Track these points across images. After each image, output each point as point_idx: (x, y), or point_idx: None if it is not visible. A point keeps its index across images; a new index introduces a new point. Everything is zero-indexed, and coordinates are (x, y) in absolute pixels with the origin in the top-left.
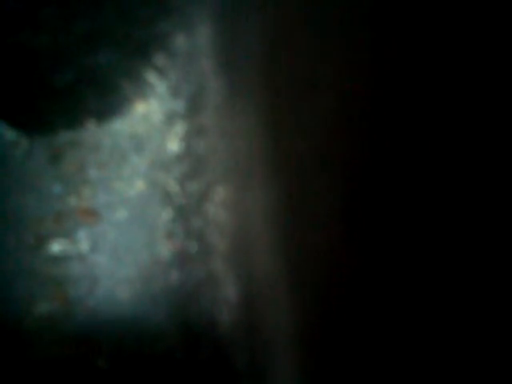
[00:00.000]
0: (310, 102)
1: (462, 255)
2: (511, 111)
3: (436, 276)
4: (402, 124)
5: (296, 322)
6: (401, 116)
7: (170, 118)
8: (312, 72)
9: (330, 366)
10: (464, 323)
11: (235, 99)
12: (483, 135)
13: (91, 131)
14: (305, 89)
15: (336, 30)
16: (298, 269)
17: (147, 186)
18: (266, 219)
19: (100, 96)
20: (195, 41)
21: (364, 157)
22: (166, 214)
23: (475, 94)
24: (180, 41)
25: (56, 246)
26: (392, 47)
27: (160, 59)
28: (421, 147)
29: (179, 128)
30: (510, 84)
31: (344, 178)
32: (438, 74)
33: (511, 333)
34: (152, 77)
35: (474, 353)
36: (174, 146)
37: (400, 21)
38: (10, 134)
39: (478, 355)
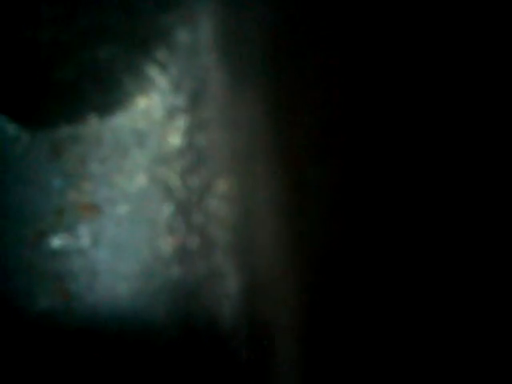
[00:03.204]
0: (312, 94)
1: (461, 250)
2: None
3: (438, 273)
4: (400, 115)
5: (299, 317)
6: (399, 108)
7: (172, 113)
8: (314, 64)
9: (332, 361)
10: (463, 317)
11: (237, 93)
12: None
13: (92, 126)
14: (307, 81)
15: (341, 21)
16: (300, 262)
17: (149, 180)
18: (268, 212)
19: (101, 91)
20: (197, 35)
21: (364, 147)
22: (167, 209)
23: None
24: (181, 35)
25: (56, 241)
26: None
27: (161, 54)
28: (418, 139)
29: (181, 122)
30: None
31: (344, 169)
32: (437, 70)
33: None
34: (153, 71)
35: (471, 345)
36: (175, 140)
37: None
38: (11, 128)
39: (476, 348)
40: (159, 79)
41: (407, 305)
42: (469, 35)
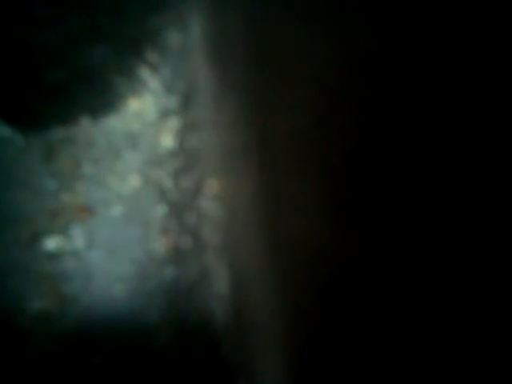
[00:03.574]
0: (298, 96)
1: (455, 249)
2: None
3: (430, 268)
4: (388, 116)
5: (289, 317)
6: (387, 108)
7: (164, 114)
8: (299, 66)
9: (322, 361)
10: (462, 319)
11: (227, 94)
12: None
13: (85, 128)
14: (292, 83)
15: (323, 25)
16: (290, 262)
17: (141, 181)
18: (258, 212)
19: (94, 93)
20: (187, 37)
21: (350, 148)
22: (160, 210)
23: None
24: (172, 37)
25: (51, 243)
26: (385, 43)
27: (152, 56)
28: (409, 139)
29: (172, 124)
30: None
31: (332, 170)
32: (431, 71)
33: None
34: (145, 73)
35: (472, 349)
36: (167, 141)
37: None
38: (4, 130)
39: (477, 351)
40: (151, 80)
41: (396, 304)
42: (466, 40)
